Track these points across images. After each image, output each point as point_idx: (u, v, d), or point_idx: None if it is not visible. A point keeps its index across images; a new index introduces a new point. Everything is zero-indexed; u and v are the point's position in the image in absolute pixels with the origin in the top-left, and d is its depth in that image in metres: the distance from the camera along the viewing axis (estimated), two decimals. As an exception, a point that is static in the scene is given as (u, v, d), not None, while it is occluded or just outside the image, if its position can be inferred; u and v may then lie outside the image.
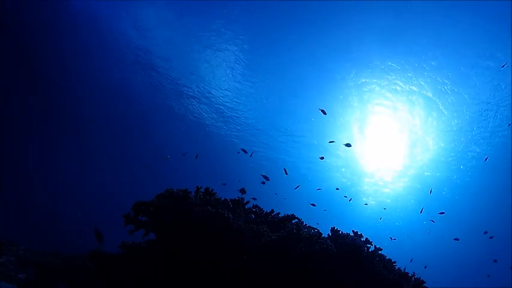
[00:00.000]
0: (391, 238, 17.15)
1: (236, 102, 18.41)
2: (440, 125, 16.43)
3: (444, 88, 14.40)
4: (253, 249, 4.02)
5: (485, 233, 16.30)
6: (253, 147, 22.03)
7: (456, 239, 17.51)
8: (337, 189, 20.07)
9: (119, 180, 26.35)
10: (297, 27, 13.47)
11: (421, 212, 19.59)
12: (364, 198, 25.56)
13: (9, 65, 16.76)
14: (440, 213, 17.25)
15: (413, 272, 4.50)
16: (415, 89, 14.74)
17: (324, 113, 11.23)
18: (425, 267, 18.59)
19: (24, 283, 6.32)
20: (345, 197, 21.87)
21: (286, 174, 13.20)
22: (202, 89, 17.90)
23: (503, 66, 12.38)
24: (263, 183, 11.21)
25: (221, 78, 16.90)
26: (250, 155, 12.12)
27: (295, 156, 22.37)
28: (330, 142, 14.17)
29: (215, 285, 3.86)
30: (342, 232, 4.61)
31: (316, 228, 4.63)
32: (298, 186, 18.48)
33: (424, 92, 14.80)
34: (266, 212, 4.96)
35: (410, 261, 20.49)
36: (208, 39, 14.62)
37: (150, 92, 19.13)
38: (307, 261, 4.01)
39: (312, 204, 12.72)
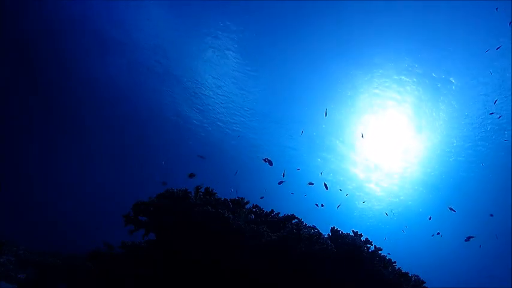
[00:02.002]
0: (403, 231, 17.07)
1: (236, 96, 18.29)
2: (449, 121, 16.42)
3: (452, 83, 14.44)
4: (253, 249, 4.01)
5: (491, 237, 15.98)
6: (256, 140, 21.85)
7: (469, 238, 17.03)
8: (340, 190, 20.06)
9: (119, 180, 26.32)
10: (299, 19, 13.45)
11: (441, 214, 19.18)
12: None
13: (9, 65, 16.77)
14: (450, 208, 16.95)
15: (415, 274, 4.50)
16: (424, 81, 14.67)
17: (325, 114, 11.35)
18: (438, 233, 18.27)
19: (24, 283, 6.31)
20: (340, 190, 21.69)
21: (283, 176, 13.28)
22: (202, 84, 17.84)
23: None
24: (281, 182, 11.35)
25: (220, 71, 16.79)
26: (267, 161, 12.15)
27: (302, 149, 22.18)
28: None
29: (215, 285, 3.86)
30: (342, 232, 4.61)
31: (316, 228, 4.63)
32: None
33: (435, 83, 14.75)
34: (266, 212, 4.96)
35: (437, 234, 20.16)
36: (206, 32, 14.56)
37: (149, 91, 19.11)
38: (307, 261, 4.00)
39: (320, 205, 12.86)
